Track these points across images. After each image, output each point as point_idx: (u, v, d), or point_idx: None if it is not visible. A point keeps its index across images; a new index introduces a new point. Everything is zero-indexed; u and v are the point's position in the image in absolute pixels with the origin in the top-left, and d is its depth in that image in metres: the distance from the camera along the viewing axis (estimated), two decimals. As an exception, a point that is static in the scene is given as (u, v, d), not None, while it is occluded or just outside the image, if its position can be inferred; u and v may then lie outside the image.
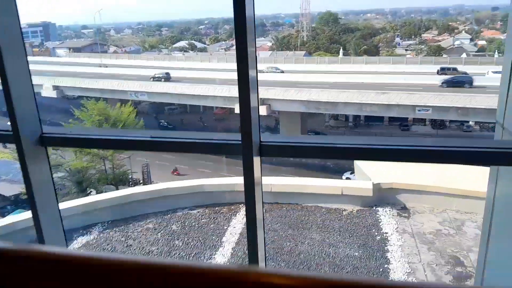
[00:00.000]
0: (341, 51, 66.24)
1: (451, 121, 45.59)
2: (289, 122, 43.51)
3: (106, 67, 61.97)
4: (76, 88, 52.38)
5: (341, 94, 38.06)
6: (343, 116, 49.26)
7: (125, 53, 78.20)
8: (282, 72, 50.92)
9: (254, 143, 1.88)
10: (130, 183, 38.89)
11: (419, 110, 36.31)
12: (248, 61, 1.70)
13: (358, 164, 10.23)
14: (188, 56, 69.53)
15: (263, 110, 41.27)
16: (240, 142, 1.91)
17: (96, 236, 8.47)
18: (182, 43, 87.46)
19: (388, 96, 36.36)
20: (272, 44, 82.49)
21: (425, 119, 45.75)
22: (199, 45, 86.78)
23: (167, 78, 51.77)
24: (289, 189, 9.01)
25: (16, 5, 2.25)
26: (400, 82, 41.45)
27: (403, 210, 8.68)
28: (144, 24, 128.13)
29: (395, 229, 8.01)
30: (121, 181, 37.64)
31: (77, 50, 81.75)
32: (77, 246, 8.19)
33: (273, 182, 8.96)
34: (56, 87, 52.98)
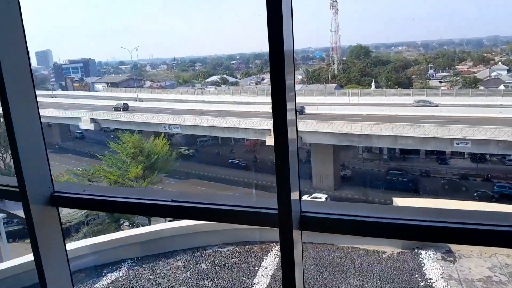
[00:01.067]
0: (373, 83, 65.74)
1: (491, 154, 43.59)
2: (321, 155, 42.92)
3: (142, 101, 63.96)
4: (112, 121, 54.14)
5: (375, 126, 37.37)
6: (377, 148, 48.14)
7: (160, 88, 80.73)
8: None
9: (294, 213, 1.60)
10: (162, 215, 39.00)
11: (457, 143, 35.02)
12: (287, 102, 1.47)
13: (397, 201, 9.71)
14: (220, 90, 70.92)
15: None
16: (276, 211, 1.63)
17: (125, 273, 8.28)
18: (215, 78, 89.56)
19: (424, 129, 35.37)
20: (303, 77, 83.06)
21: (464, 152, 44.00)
22: (230, 79, 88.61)
23: (125, 108, 57.66)
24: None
25: (25, 41, 2.10)
26: (436, 114, 40.37)
27: (448, 253, 8.04)
28: (178, 60, 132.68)
29: (440, 275, 7.38)
30: (153, 213, 37.83)
31: (114, 85, 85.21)
32: (107, 282, 8.03)
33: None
34: (93, 120, 54.99)
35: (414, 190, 39.99)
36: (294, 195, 1.61)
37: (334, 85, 70.47)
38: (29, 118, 2.09)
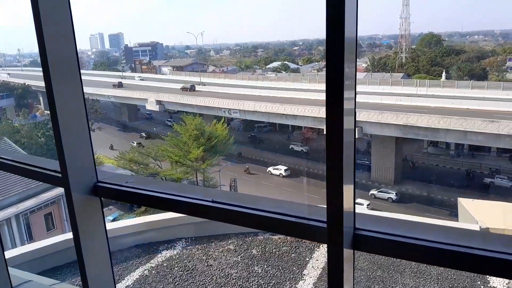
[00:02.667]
0: (443, 74, 61.89)
1: None
2: (383, 147, 41.39)
3: (204, 85, 65.50)
4: (176, 103, 56.08)
5: (443, 120, 35.25)
6: (443, 143, 45.46)
7: (222, 73, 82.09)
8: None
9: (345, 229, 1.42)
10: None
11: (534, 142, 32.13)
12: (344, 93, 1.32)
13: (463, 203, 9.05)
14: (280, 76, 70.54)
15: (354, 133, 39.86)
16: (325, 224, 1.45)
17: (179, 252, 8.55)
18: (276, 64, 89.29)
19: (497, 125, 32.76)
20: (367, 65, 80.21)
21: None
22: (292, 65, 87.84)
23: (191, 89, 61.70)
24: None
25: (73, 28, 2.06)
26: (513, 110, 37.24)
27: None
28: (241, 45, 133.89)
29: (507, 284, 6.81)
30: (210, 194, 39.00)
31: (179, 68, 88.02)
32: (161, 259, 8.34)
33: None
34: (159, 102, 57.30)
35: (482, 190, 37.41)
36: (348, 203, 1.44)
37: (401, 74, 67.29)
38: (74, 104, 2.07)
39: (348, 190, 1.42)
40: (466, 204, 8.89)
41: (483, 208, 8.79)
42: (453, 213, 32.68)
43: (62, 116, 2.02)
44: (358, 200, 37.69)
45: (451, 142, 43.32)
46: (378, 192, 38.53)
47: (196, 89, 62.29)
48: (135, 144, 52.63)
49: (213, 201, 1.79)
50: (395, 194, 37.80)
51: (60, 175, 2.13)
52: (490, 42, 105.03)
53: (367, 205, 35.52)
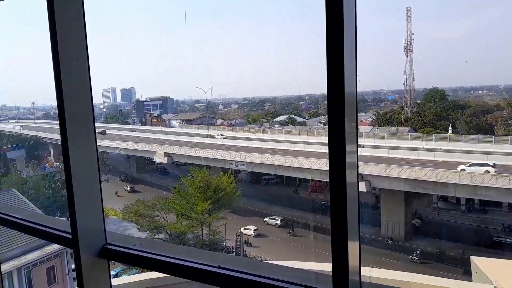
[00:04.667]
0: (450, 128, 62.21)
1: None
2: (392, 201, 40.76)
3: (213, 137, 66.35)
4: (184, 156, 56.51)
5: (451, 174, 34.92)
6: (453, 198, 44.70)
7: (230, 126, 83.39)
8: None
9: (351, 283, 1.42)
10: (224, 250, 39.20)
11: (547, 198, 31.49)
12: (346, 146, 1.35)
13: (476, 261, 8.74)
14: (287, 129, 71.36)
15: (362, 186, 39.55)
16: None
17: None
18: (283, 117, 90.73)
19: (508, 180, 32.33)
20: (373, 120, 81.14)
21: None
22: (298, 119, 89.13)
23: (103, 132, 66.48)
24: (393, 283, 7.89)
25: (90, 84, 2.17)
26: (522, 164, 36.93)
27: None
28: (249, 99, 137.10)
29: None
30: (215, 248, 38.18)
31: (188, 122, 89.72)
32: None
33: (371, 274, 7.97)
34: (167, 154, 57.83)
35: (495, 247, 36.23)
36: (353, 260, 1.42)
37: (407, 128, 67.75)
38: (88, 168, 2.15)
39: (353, 247, 1.41)
40: (479, 262, 8.58)
41: (498, 267, 8.48)
42: (467, 271, 31.48)
43: (76, 179, 2.09)
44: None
45: (461, 197, 42.60)
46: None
47: (204, 141, 63.02)
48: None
49: (219, 267, 1.77)
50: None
51: (70, 236, 2.16)
52: (494, 96, 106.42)
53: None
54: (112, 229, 37.41)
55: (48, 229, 2.49)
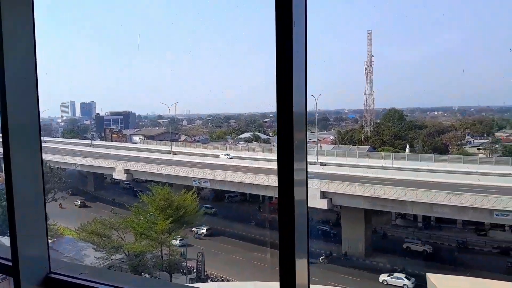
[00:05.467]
0: (407, 147, 64.65)
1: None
2: (352, 218, 41.49)
3: (175, 154, 65.37)
4: (144, 172, 55.21)
5: (409, 192, 36.09)
6: (411, 215, 46.13)
7: (194, 142, 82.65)
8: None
9: None
10: (184, 271, 38.23)
11: (497, 215, 33.10)
12: (294, 164, 1.34)
13: (431, 278, 8.94)
14: (252, 146, 71.65)
15: (323, 204, 40.11)
16: None
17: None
18: (247, 134, 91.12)
19: (461, 198, 33.78)
20: (335, 138, 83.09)
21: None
22: (263, 136, 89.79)
23: None
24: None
25: (37, 95, 2.06)
26: (474, 183, 38.71)
27: None
28: (214, 116, 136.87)
29: None
30: (175, 268, 37.17)
31: (151, 137, 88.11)
32: None
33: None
34: (127, 171, 56.28)
35: (451, 263, 37.55)
36: (301, 278, 1.38)
37: (367, 147, 69.81)
38: (32, 189, 2.00)
39: (301, 265, 1.39)
40: (434, 279, 8.83)
41: (451, 282, 8.74)
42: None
43: (18, 201, 1.94)
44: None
45: (418, 214, 44.04)
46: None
47: (167, 158, 62.01)
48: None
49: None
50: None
51: (10, 263, 1.99)
52: (449, 117, 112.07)
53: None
54: (66, 250, 35.71)
55: None
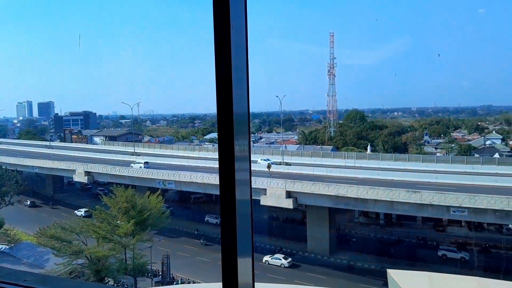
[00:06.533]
0: (369, 147, 66.43)
1: (489, 223, 42.99)
2: (317, 217, 42.16)
3: (138, 155, 64.03)
4: (106, 175, 53.71)
5: (371, 190, 37.07)
6: (373, 213, 47.46)
7: (158, 143, 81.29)
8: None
9: None
10: (149, 274, 37.50)
11: (454, 211, 34.57)
12: (235, 166, 1.36)
13: (392, 274, 9.19)
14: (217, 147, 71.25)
15: (289, 203, 40.53)
16: None
17: None
18: (213, 135, 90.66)
19: (420, 195, 35.06)
20: (299, 138, 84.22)
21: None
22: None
23: None
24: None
25: None
26: (432, 181, 40.30)
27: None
28: (178, 116, 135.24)
29: None
30: (140, 272, 36.37)
31: (112, 138, 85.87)
32: None
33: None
34: (88, 173, 54.58)
35: (411, 259, 38.98)
36: (244, 277, 1.38)
37: (331, 147, 71.21)
38: None
39: (244, 264, 1.39)
40: (394, 275, 9.06)
41: (411, 278, 9.00)
42: (386, 283, 33.41)
43: None
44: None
45: (380, 212, 45.35)
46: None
47: (130, 159, 60.59)
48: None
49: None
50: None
51: None
52: (408, 118, 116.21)
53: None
54: (24, 256, 34.16)
55: None
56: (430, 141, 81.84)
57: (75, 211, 53.06)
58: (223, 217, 1.38)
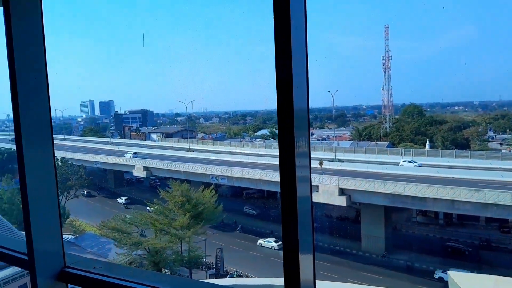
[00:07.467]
0: (427, 143, 63.54)
1: None
2: (372, 215, 41.06)
3: (193, 151, 65.91)
4: (163, 170, 55.86)
5: (430, 189, 35.47)
6: (432, 212, 45.36)
7: (211, 139, 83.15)
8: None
9: None
10: (204, 267, 38.56)
11: (522, 211, 32.26)
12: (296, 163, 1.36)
13: (453, 276, 8.75)
14: (269, 143, 71.55)
15: (342, 201, 39.83)
16: None
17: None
18: (264, 131, 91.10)
19: (483, 194, 33.02)
20: (352, 134, 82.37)
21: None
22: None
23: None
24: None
25: (48, 94, 2.09)
26: (497, 179, 37.78)
27: None
28: (230, 113, 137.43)
29: None
30: (195, 264, 37.54)
31: (168, 135, 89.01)
32: None
33: None
34: (146, 168, 57.04)
35: (473, 261, 36.83)
36: (306, 274, 1.38)
37: (386, 143, 68.91)
38: (46, 185, 2.06)
39: (305, 261, 1.39)
40: (455, 277, 8.62)
41: (473, 281, 8.53)
42: (445, 286, 32.12)
43: (33, 196, 2.01)
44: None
45: (439, 211, 43.29)
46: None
47: (185, 155, 62.60)
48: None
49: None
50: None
51: (26, 257, 2.05)
52: (470, 112, 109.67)
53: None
54: (88, 245, 36.45)
55: (4, 250, 2.37)
56: (494, 136, 76.68)
57: (117, 199, 59.17)
58: (284, 214, 1.38)
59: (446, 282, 34.52)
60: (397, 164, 48.22)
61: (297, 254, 1.36)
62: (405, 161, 49.62)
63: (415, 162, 48.77)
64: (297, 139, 1.33)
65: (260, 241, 43.70)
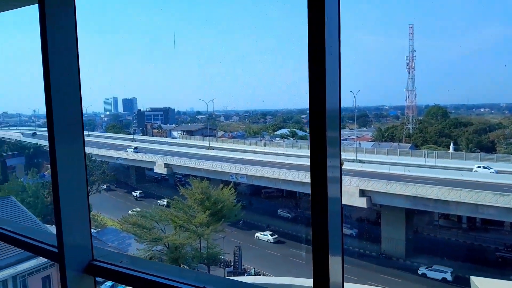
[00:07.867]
0: (451, 145, 62.11)
1: None
2: (393, 218, 40.43)
3: (213, 149, 66.33)
4: (184, 167, 56.43)
5: (453, 192, 34.69)
6: (455, 216, 44.33)
7: (231, 138, 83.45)
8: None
9: None
10: (222, 264, 38.80)
11: (549, 218, 31.19)
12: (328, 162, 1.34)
13: (476, 282, 8.53)
14: (288, 143, 71.31)
15: (363, 202, 39.37)
16: None
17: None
18: (284, 131, 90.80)
19: (509, 199, 32.09)
20: (373, 134, 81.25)
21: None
22: (300, 132, 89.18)
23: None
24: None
25: (80, 92, 2.13)
26: (524, 184, 36.67)
27: None
28: (250, 112, 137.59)
29: None
30: (213, 261, 37.81)
31: (189, 133, 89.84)
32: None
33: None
34: (167, 165, 57.74)
35: (497, 267, 35.85)
36: (335, 276, 1.37)
37: (409, 144, 67.68)
38: (76, 181, 2.12)
39: (335, 263, 1.38)
40: (479, 283, 8.41)
41: (497, 287, 8.31)
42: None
43: (64, 191, 2.07)
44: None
45: (462, 215, 42.28)
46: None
47: (205, 153, 63.08)
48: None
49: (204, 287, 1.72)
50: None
51: (56, 250, 2.12)
52: (496, 114, 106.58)
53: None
54: (109, 240, 37.21)
55: (34, 242, 2.45)
56: (523, 140, 74.26)
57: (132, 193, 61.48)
58: (314, 215, 1.37)
59: (429, 279, 34.28)
60: (421, 166, 47.25)
61: (327, 256, 1.35)
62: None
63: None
64: (329, 139, 1.32)
65: (257, 234, 45.11)
